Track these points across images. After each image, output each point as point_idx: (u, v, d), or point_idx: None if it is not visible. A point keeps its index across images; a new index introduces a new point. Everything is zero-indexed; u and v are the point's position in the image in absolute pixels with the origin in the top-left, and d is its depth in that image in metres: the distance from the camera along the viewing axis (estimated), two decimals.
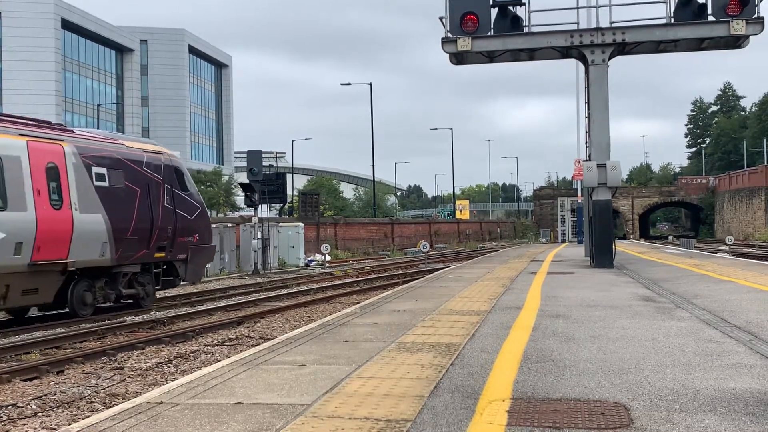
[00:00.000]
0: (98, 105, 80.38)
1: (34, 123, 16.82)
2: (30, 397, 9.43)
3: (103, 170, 17.40)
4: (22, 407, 8.91)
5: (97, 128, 74.49)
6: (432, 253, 47.53)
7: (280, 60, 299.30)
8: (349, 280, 28.30)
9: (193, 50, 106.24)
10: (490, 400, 6.04)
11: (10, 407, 8.89)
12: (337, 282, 27.48)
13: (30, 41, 78.35)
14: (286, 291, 23.78)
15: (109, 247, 17.28)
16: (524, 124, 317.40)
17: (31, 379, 10.75)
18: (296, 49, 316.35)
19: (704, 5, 21.70)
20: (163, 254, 19.28)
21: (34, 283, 15.52)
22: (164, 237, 19.19)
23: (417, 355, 8.12)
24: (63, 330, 15.27)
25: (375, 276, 30.04)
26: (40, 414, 8.68)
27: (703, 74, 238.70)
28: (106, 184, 17.42)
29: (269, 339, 12.95)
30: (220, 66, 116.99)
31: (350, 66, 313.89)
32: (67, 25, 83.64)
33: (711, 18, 21.67)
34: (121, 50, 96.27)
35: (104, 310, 18.38)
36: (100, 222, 17.05)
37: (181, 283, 21.05)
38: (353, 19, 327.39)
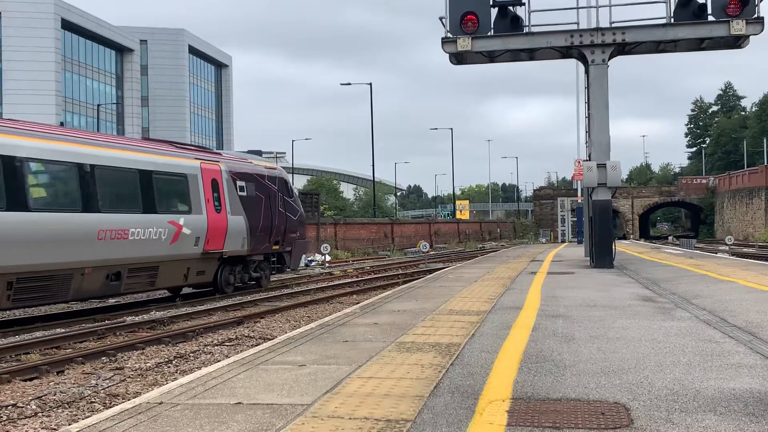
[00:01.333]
0: (98, 105, 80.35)
1: (197, 148, 23.31)
2: (30, 397, 9.43)
3: (243, 183, 22.85)
4: (22, 407, 8.91)
5: (97, 129, 74.65)
6: (432, 253, 47.63)
7: (278, 60, 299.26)
8: (349, 280, 28.29)
9: (193, 50, 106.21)
10: (490, 400, 6.04)
11: (10, 407, 8.89)
12: (337, 282, 27.47)
13: (30, 41, 78.28)
14: (285, 291, 23.78)
15: (246, 241, 22.64)
16: (524, 124, 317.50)
17: (31, 379, 10.75)
18: (295, 49, 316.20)
19: (704, 5, 21.70)
20: (277, 247, 24.79)
21: (203, 266, 21.04)
22: (279, 233, 24.63)
23: (417, 355, 8.12)
24: (63, 330, 15.27)
25: (375, 276, 30.02)
26: (40, 414, 8.68)
27: (703, 74, 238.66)
28: (245, 193, 22.84)
29: (269, 339, 12.96)
30: (219, 66, 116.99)
31: (348, 65, 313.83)
32: (67, 25, 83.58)
33: (711, 18, 21.67)
34: (121, 50, 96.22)
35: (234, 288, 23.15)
36: (242, 222, 22.39)
37: (287, 269, 26.66)
38: (351, 19, 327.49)
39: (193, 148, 22.85)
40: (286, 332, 13.70)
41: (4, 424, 8.19)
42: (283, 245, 25.07)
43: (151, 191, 18.91)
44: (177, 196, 20.12)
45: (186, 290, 22.56)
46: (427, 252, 38.80)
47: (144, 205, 18.57)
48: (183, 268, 20.10)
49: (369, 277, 29.78)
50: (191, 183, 20.41)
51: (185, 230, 19.74)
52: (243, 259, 23.03)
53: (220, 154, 23.72)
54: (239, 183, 22.58)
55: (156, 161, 19.37)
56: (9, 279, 14.72)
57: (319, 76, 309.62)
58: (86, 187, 16.87)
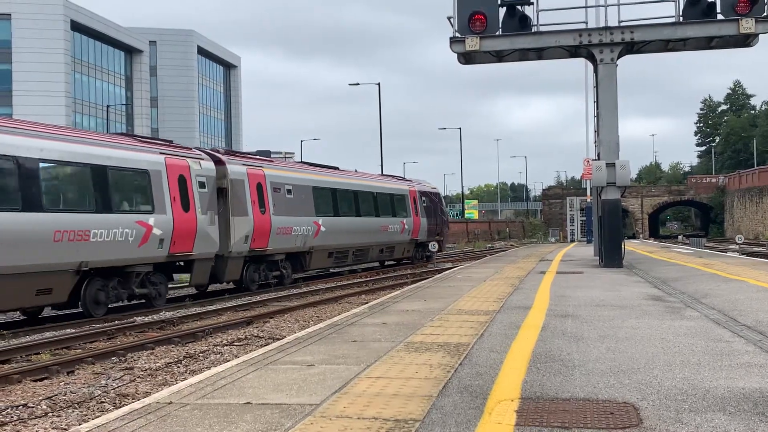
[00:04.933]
0: (107, 106, 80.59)
1: (403, 178, 40.45)
2: (40, 398, 9.47)
3: (424, 198, 38.58)
4: (33, 407, 8.95)
5: (107, 130, 74.90)
6: (440, 252, 47.68)
7: (280, 59, 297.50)
8: (358, 280, 28.30)
9: (201, 51, 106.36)
10: (498, 399, 6.04)
11: (20, 407, 8.93)
12: (345, 282, 27.49)
13: (39, 43, 78.48)
14: (294, 291, 23.80)
15: (426, 233, 38.09)
16: (530, 123, 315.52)
17: (41, 380, 10.80)
18: (296, 49, 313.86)
19: (713, 4, 21.60)
20: (439, 237, 40.31)
21: (409, 247, 36.75)
22: (438, 229, 40.26)
23: (426, 355, 8.12)
24: (73, 330, 15.33)
25: (383, 276, 30.03)
26: (50, 414, 8.72)
27: (712, 72, 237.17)
28: (425, 204, 38.45)
29: (278, 339, 12.98)
30: (228, 66, 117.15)
31: (350, 64, 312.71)
32: (76, 27, 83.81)
33: (720, 16, 21.58)
34: (130, 51, 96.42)
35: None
36: (424, 222, 37.93)
37: (440, 252, 41.52)
38: (351, 17, 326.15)
39: (401, 178, 40.49)
40: (295, 332, 13.72)
41: (15, 424, 8.23)
42: (440, 236, 40.63)
43: (394, 204, 35.11)
44: (402, 207, 35.95)
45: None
46: (436, 251, 39.10)
47: (392, 212, 34.61)
48: (402, 248, 36.06)
49: (377, 276, 29.78)
50: (406, 199, 36.51)
51: (405, 226, 35.52)
52: (423, 243, 38.24)
53: (411, 181, 39.92)
54: (422, 198, 38.28)
55: (395, 188, 36.09)
56: (353, 250, 30.35)
57: (321, 75, 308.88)
58: (376, 203, 33.11)
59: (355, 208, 30.97)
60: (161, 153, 19.74)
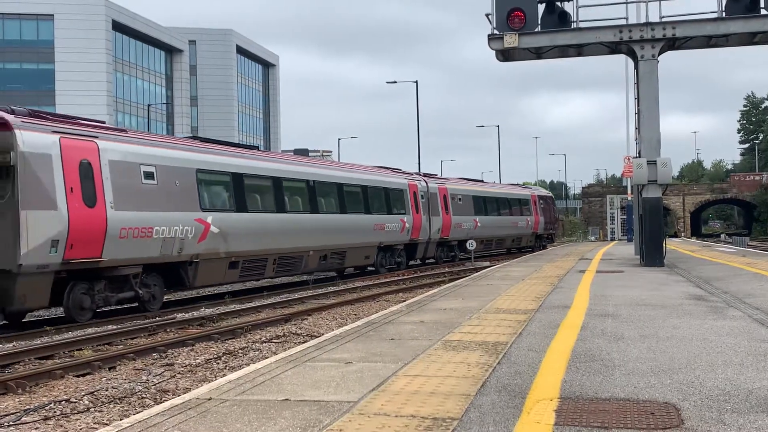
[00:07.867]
0: (148, 105, 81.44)
1: (526, 186, 56.80)
2: (82, 393, 9.60)
3: (542, 201, 50.87)
4: (75, 402, 9.08)
5: (148, 129, 75.74)
6: (553, 243, 56.90)
7: (319, 57, 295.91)
8: (395, 279, 28.29)
9: (240, 50, 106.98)
10: (537, 399, 6.00)
11: (63, 402, 9.06)
12: (383, 280, 27.50)
13: (81, 42, 79.48)
14: (332, 289, 23.87)
15: (542, 227, 49.96)
16: (570, 120, 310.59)
17: (83, 375, 10.94)
18: (328, 46, 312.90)
19: None
20: (552, 231, 53.50)
21: (531, 238, 48.61)
22: (552, 224, 52.81)
23: (463, 353, 8.10)
24: (114, 327, 15.53)
25: (421, 274, 29.98)
26: (92, 409, 8.83)
27: (755, 67, 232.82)
28: (542, 206, 50.36)
29: (316, 336, 13.02)
30: (267, 65, 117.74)
31: (383, 62, 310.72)
32: (117, 27, 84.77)
33: (763, 11, 21.23)
34: (170, 51, 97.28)
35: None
36: (542, 220, 49.95)
37: (551, 243, 53.78)
38: (387, 15, 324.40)
39: (525, 186, 55.14)
40: (332, 330, 13.75)
41: (58, 419, 8.35)
42: (552, 230, 53.17)
43: (520, 207, 46.82)
44: (527, 208, 47.70)
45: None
46: (474, 250, 38.90)
47: (520, 212, 46.55)
48: (527, 238, 47.47)
49: (415, 275, 29.74)
50: (530, 202, 48.16)
51: (529, 222, 47.23)
52: (540, 235, 49.62)
53: (532, 188, 54.16)
54: (540, 201, 50.16)
55: (522, 194, 48.49)
56: (495, 240, 42.14)
57: (358, 73, 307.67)
58: (510, 206, 45.01)
59: (497, 209, 42.87)
60: (406, 178, 32.63)
